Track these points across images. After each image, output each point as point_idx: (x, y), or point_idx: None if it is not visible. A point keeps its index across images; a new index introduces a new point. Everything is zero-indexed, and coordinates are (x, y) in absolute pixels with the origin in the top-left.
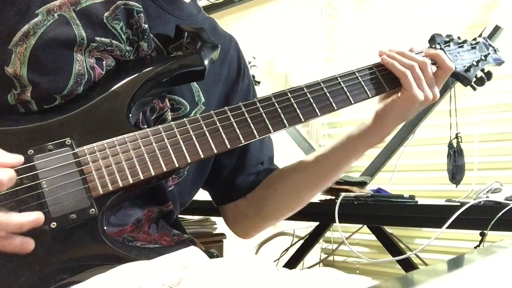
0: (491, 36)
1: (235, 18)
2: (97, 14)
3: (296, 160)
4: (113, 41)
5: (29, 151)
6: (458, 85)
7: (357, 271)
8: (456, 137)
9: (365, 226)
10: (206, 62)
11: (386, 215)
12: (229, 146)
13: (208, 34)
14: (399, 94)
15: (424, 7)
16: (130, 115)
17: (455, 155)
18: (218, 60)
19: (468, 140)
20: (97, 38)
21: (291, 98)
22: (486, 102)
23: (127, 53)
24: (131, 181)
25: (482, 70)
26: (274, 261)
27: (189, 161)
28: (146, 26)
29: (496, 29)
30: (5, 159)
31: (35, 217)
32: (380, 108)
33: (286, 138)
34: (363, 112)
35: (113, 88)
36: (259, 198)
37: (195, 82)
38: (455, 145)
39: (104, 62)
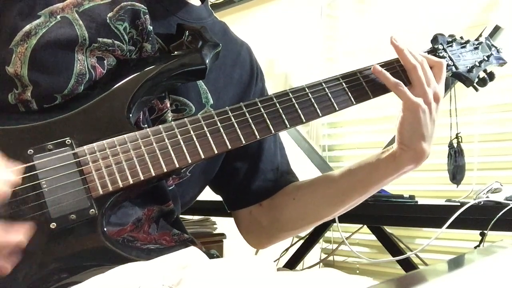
0: (491, 36)
1: (235, 18)
2: (100, 14)
3: (295, 160)
4: (115, 42)
5: (29, 150)
6: (458, 85)
7: (357, 271)
8: (457, 137)
9: (365, 226)
10: (207, 61)
11: (386, 215)
12: (230, 147)
13: (209, 33)
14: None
15: (424, 7)
16: (131, 114)
17: (456, 155)
18: (229, 62)
19: (468, 140)
20: (99, 39)
21: (293, 99)
22: (486, 102)
23: (128, 53)
24: (131, 182)
25: (485, 70)
26: (274, 261)
27: (189, 161)
28: (151, 28)
29: (496, 29)
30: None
31: (16, 240)
32: (397, 132)
33: (286, 138)
34: (364, 112)
35: (113, 88)
36: (275, 206)
37: (203, 84)
38: (455, 145)
39: (105, 61)
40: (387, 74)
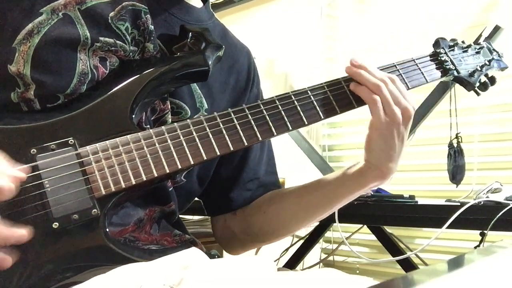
0: (491, 36)
1: (235, 18)
2: (102, 14)
3: (295, 160)
4: (117, 42)
5: (32, 150)
6: (458, 86)
7: (357, 271)
8: (456, 137)
9: (365, 226)
10: (210, 62)
11: (386, 215)
12: (232, 148)
13: (212, 35)
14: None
15: (424, 7)
16: (133, 115)
17: (455, 155)
18: (225, 68)
19: (468, 140)
20: (101, 38)
21: (295, 101)
22: (486, 102)
23: (131, 54)
24: (133, 182)
25: (486, 75)
26: (274, 261)
27: (192, 162)
28: (152, 27)
29: (496, 29)
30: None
31: (20, 233)
32: (364, 150)
33: (286, 138)
34: (364, 112)
35: (116, 88)
36: (247, 217)
37: (198, 88)
38: (455, 145)
39: (108, 62)
40: (366, 89)
